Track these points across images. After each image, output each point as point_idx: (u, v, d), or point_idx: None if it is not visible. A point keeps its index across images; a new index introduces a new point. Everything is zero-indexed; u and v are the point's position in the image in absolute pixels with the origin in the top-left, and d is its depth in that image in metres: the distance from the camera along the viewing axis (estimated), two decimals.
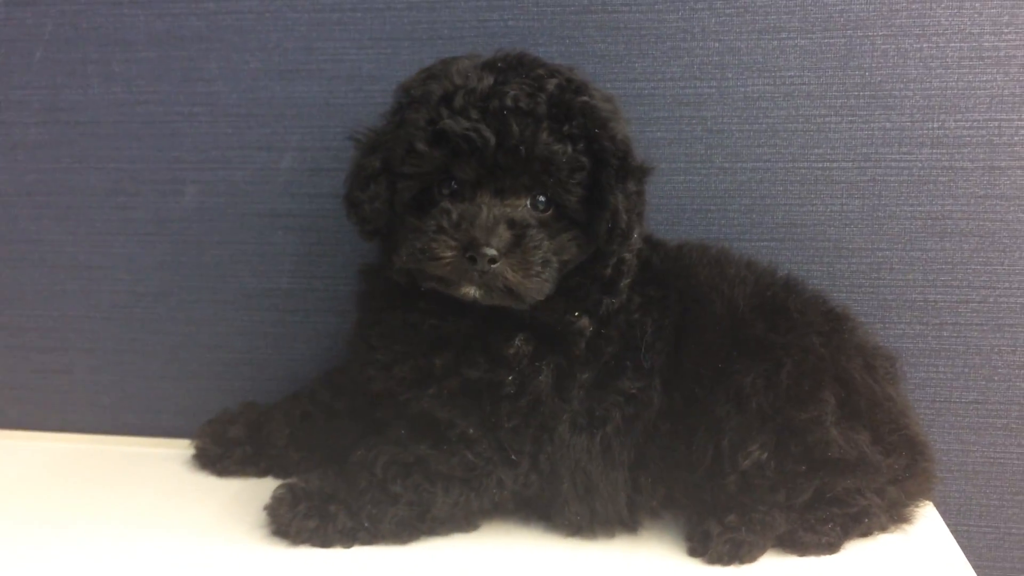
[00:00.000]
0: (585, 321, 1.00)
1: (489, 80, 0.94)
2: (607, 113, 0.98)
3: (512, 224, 0.93)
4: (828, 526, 1.00)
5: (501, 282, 0.92)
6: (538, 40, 1.17)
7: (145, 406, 1.34)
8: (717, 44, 1.16)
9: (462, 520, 1.03)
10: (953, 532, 1.08)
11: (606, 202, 0.96)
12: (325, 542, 1.00)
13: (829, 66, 1.15)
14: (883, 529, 1.05)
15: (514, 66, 0.97)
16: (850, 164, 1.17)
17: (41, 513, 1.09)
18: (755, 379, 0.98)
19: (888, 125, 1.16)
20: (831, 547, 1.01)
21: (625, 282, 1.01)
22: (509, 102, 0.92)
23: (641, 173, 1.00)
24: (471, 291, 0.94)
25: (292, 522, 1.00)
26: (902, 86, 1.14)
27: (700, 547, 1.00)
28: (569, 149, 0.94)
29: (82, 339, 1.33)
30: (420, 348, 1.00)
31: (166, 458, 1.24)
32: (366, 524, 1.00)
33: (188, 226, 1.28)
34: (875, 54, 1.14)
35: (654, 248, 1.08)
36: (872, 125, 1.16)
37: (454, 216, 0.93)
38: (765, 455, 0.97)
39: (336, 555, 0.99)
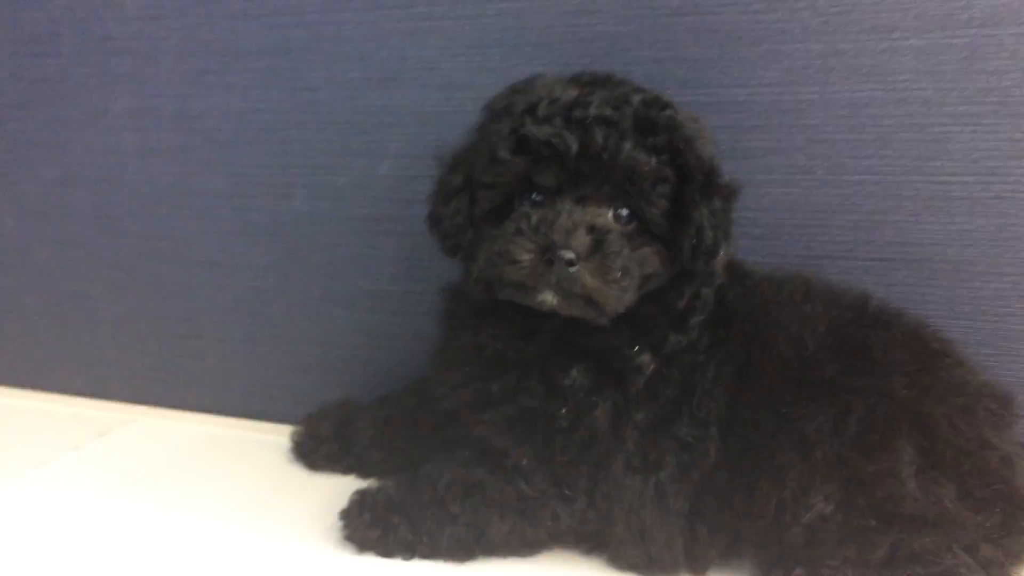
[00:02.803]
0: (647, 357, 0.97)
1: (573, 92, 0.94)
2: (692, 132, 0.95)
3: (592, 229, 0.91)
4: None
5: (579, 287, 0.90)
6: (627, 45, 1.13)
7: (267, 393, 1.43)
8: (820, 46, 1.07)
9: (518, 547, 1.04)
10: None
11: (691, 217, 0.93)
12: (387, 552, 1.03)
13: (949, 69, 1.03)
14: None
15: (600, 82, 0.97)
16: (972, 178, 1.05)
17: (163, 488, 1.22)
18: (820, 425, 0.91)
19: (1018, 136, 1.03)
20: None
21: (697, 319, 0.98)
22: (593, 111, 0.91)
23: (729, 192, 0.96)
24: (548, 297, 0.92)
25: (358, 530, 1.04)
26: None
27: None
28: (653, 160, 0.92)
29: (213, 328, 1.44)
30: (482, 372, 1.01)
31: (274, 447, 1.32)
32: (424, 539, 1.02)
33: (299, 228, 1.34)
34: (1003, 55, 1.01)
35: (736, 280, 1.02)
36: (998, 135, 1.03)
37: (533, 220, 0.93)
38: (831, 508, 0.91)
39: (399, 567, 1.02)
